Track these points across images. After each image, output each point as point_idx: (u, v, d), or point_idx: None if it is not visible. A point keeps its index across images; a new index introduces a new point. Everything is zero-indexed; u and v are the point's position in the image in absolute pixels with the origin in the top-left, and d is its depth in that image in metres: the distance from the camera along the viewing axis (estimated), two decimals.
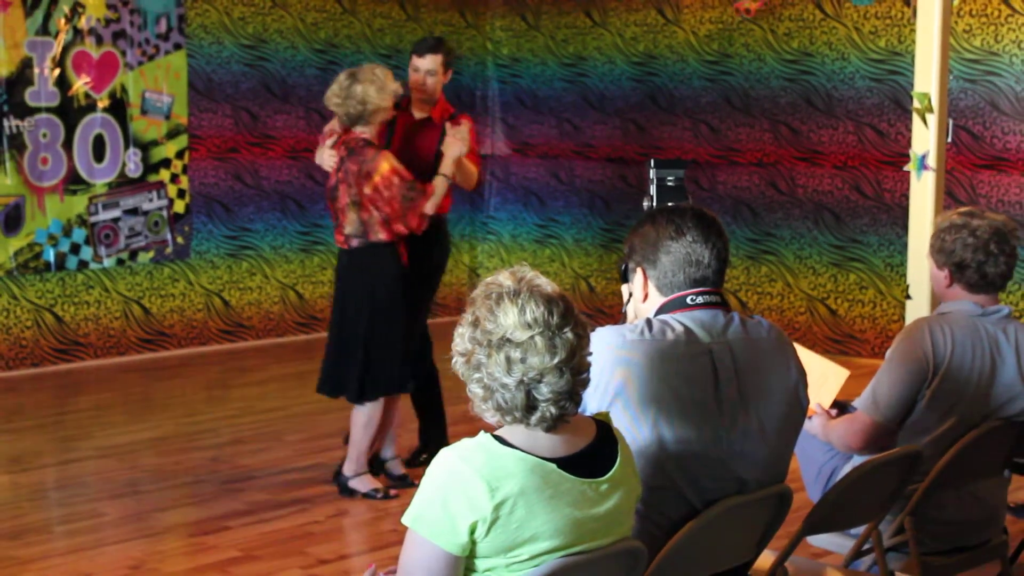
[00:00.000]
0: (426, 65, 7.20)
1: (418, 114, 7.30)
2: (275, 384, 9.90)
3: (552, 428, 3.11)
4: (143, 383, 10.05)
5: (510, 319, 3.07)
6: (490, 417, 3.15)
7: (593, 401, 3.50)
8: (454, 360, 3.17)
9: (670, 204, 3.85)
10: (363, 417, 7.03)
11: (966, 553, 4.80)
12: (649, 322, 3.63)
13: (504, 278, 3.15)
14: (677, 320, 3.63)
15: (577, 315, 3.14)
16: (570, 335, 3.09)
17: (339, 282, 7.17)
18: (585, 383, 3.17)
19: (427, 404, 7.62)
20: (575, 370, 3.10)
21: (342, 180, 6.91)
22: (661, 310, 3.70)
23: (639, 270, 3.75)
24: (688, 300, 3.67)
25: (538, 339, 3.06)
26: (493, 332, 3.08)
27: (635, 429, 3.51)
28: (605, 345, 3.50)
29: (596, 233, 12.41)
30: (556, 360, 3.06)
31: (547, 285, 3.15)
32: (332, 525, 6.75)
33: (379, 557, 6.15)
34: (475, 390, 3.14)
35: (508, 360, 3.06)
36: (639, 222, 3.81)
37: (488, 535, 3.03)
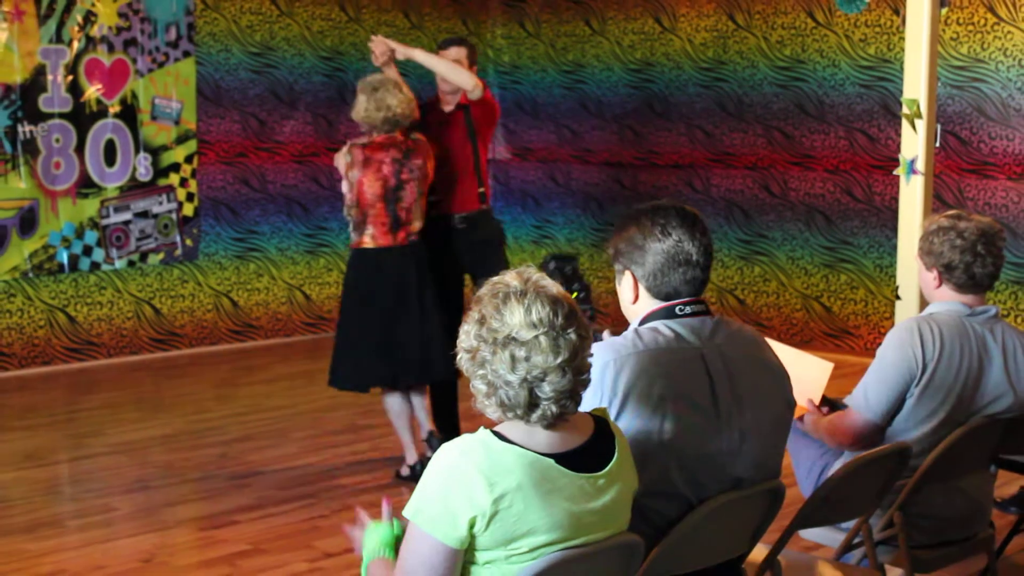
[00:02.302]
0: (452, 55, 7.48)
1: (447, 108, 7.58)
2: (282, 383, 9.90)
3: (552, 426, 3.14)
4: (154, 382, 10.07)
5: (516, 318, 3.09)
6: (492, 413, 3.16)
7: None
8: (459, 356, 3.18)
9: (652, 204, 3.74)
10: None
11: (953, 546, 4.82)
12: (637, 332, 3.63)
13: (511, 278, 3.16)
14: (666, 326, 3.63)
15: (580, 317, 3.16)
16: (573, 336, 3.11)
17: (410, 277, 7.36)
18: (585, 384, 3.18)
19: (443, 405, 7.74)
20: (577, 370, 3.12)
21: (408, 180, 7.21)
22: (649, 318, 3.69)
23: (627, 272, 3.72)
24: (676, 311, 3.67)
25: (543, 339, 3.08)
26: (499, 330, 3.09)
27: (644, 436, 3.51)
28: (602, 364, 3.51)
29: (589, 233, 12.44)
30: (559, 360, 3.08)
31: (552, 287, 3.16)
32: (338, 519, 6.74)
33: None
34: (479, 386, 3.15)
35: (513, 358, 3.07)
36: (621, 224, 3.76)
37: (487, 529, 3.05)
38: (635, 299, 3.75)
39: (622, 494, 3.27)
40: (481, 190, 7.65)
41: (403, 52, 7.41)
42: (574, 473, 3.15)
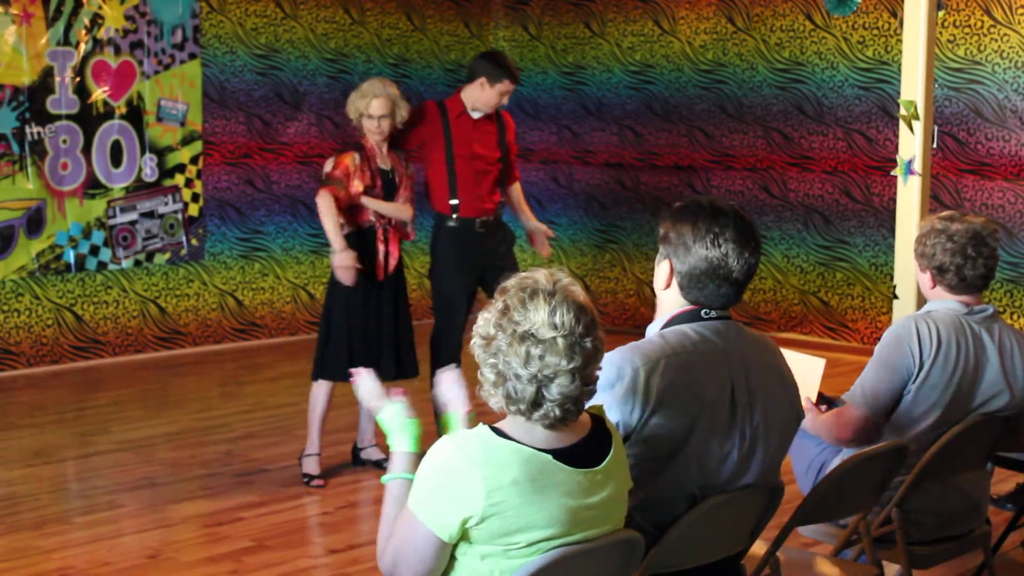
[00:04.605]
0: (511, 92, 7.68)
1: (476, 115, 7.69)
2: (287, 381, 9.90)
3: (552, 427, 3.14)
4: (160, 380, 10.09)
5: (539, 316, 3.08)
6: (495, 403, 3.17)
7: (634, 417, 3.50)
8: (473, 340, 3.18)
9: (715, 204, 3.69)
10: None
11: (951, 543, 4.86)
12: (663, 335, 3.64)
13: (541, 276, 3.16)
14: (692, 329, 3.64)
15: (599, 329, 3.16)
16: (589, 345, 3.11)
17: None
18: (591, 394, 3.18)
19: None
20: (585, 379, 3.13)
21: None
22: (674, 321, 3.69)
23: (667, 261, 3.69)
24: (702, 314, 3.66)
25: (560, 341, 3.07)
26: (520, 324, 3.09)
27: (673, 436, 3.52)
28: (633, 370, 3.51)
29: (591, 234, 12.45)
30: (572, 365, 3.08)
31: (580, 294, 3.16)
32: (341, 516, 6.85)
33: None
34: (488, 375, 3.15)
35: (528, 354, 3.07)
36: (680, 212, 3.71)
37: (482, 524, 3.07)
38: (667, 286, 3.73)
39: (617, 491, 3.28)
40: (502, 199, 7.83)
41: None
42: (572, 468, 3.15)
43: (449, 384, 3.59)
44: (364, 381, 3.65)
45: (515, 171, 8.04)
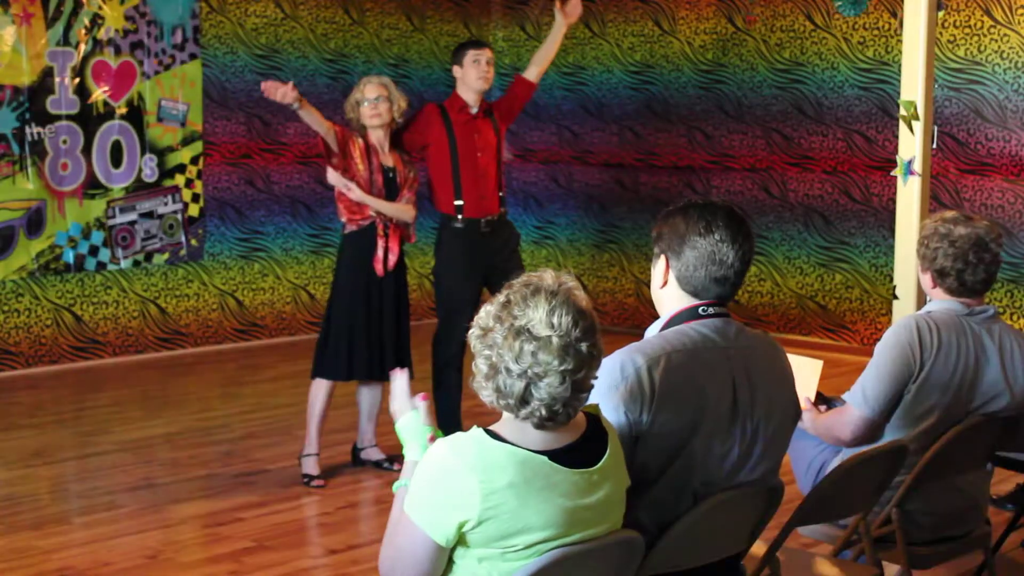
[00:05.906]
0: (487, 55, 7.70)
1: (473, 110, 7.71)
2: (287, 381, 9.92)
3: (540, 427, 3.14)
4: (159, 380, 10.10)
5: (538, 314, 3.09)
6: (486, 396, 3.17)
7: (643, 415, 3.50)
8: (472, 330, 3.19)
9: (705, 199, 3.74)
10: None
11: (950, 543, 4.86)
12: (663, 335, 3.65)
13: (547, 276, 3.18)
14: (691, 328, 3.65)
15: (598, 337, 3.16)
16: (584, 350, 3.11)
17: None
18: (582, 401, 3.18)
19: (446, 404, 7.74)
20: (577, 385, 3.12)
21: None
22: (673, 321, 3.70)
23: (662, 257, 3.71)
24: (700, 311, 3.67)
25: (555, 340, 3.08)
26: (518, 318, 3.10)
27: (676, 434, 3.53)
28: (635, 368, 3.51)
29: (591, 234, 12.47)
30: (564, 367, 3.08)
31: (583, 298, 3.17)
32: (341, 516, 6.85)
33: None
34: (481, 366, 3.15)
35: (521, 349, 3.07)
36: (670, 211, 3.75)
37: (478, 527, 3.07)
38: (663, 284, 3.75)
39: (615, 491, 3.28)
40: (501, 194, 7.82)
41: None
42: (568, 469, 3.16)
43: (398, 390, 3.59)
44: (399, 383, 3.62)
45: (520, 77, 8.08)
